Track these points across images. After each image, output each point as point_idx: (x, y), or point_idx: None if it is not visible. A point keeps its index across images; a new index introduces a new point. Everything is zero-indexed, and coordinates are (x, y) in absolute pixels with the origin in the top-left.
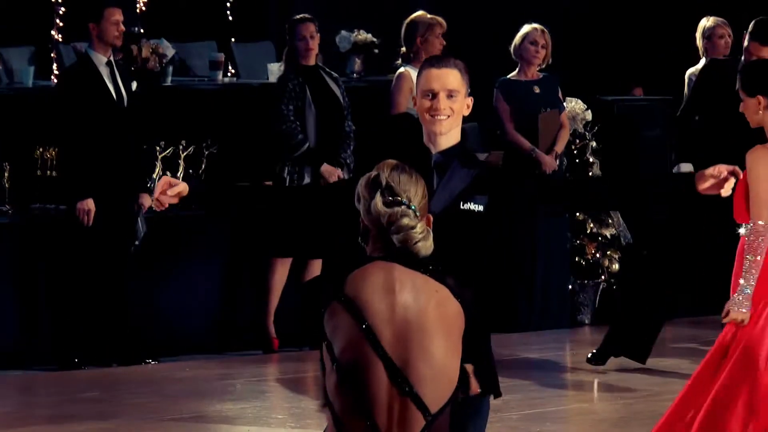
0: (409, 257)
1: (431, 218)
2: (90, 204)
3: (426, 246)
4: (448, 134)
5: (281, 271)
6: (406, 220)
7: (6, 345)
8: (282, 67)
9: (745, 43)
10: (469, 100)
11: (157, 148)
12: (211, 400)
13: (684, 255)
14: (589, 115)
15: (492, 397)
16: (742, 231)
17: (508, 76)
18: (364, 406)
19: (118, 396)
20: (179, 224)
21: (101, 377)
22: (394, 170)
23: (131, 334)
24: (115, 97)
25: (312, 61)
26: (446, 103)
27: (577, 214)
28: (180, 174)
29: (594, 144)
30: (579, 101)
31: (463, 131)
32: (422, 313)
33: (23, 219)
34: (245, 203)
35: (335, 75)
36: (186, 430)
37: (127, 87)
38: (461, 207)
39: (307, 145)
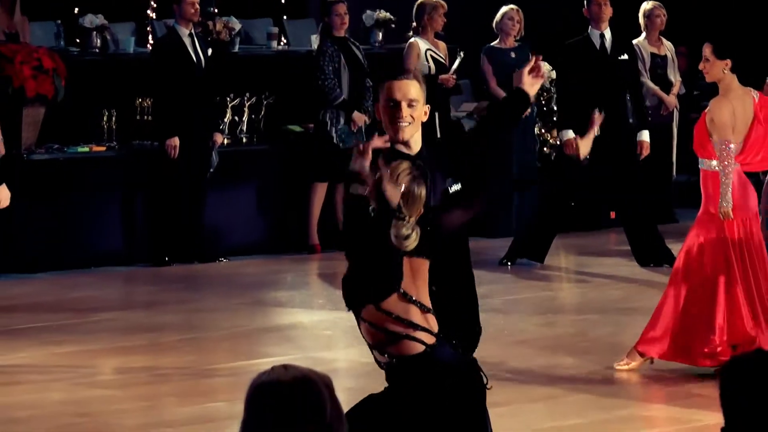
0: None
1: (421, 210)
2: (176, 141)
3: (412, 245)
4: (413, 138)
5: (320, 192)
6: (403, 231)
7: (113, 248)
8: (317, 38)
9: None
10: (427, 108)
11: (227, 99)
12: (268, 290)
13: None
14: (553, 74)
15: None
16: (701, 165)
17: (491, 44)
18: None
19: (199, 287)
20: (243, 156)
21: (186, 272)
22: (408, 188)
23: (208, 239)
24: (195, 60)
25: (342, 33)
26: (407, 111)
27: (544, 148)
28: (245, 118)
29: (556, 96)
30: (546, 63)
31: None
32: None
33: (126, 152)
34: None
35: (357, 44)
36: (249, 312)
37: (205, 53)
38: (450, 192)
39: (343, 97)
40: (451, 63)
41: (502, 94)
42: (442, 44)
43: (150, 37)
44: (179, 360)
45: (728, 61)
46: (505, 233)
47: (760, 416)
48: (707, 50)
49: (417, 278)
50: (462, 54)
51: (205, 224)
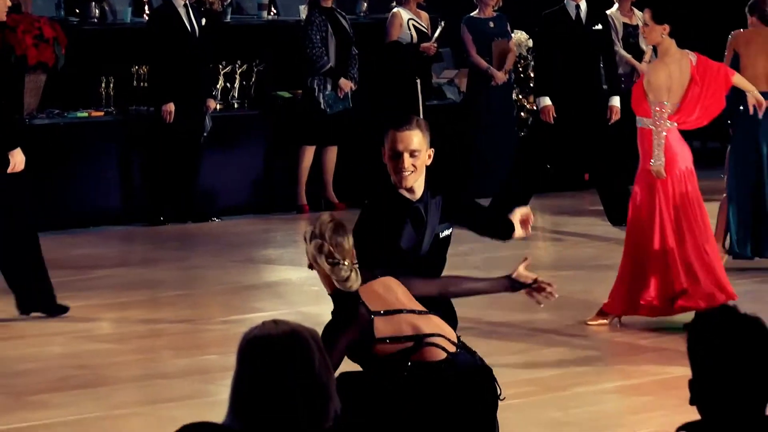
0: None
1: (354, 252)
2: (171, 107)
3: (356, 284)
4: (416, 184)
5: (308, 155)
6: (342, 273)
7: (111, 208)
8: (306, 8)
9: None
10: (431, 152)
11: (220, 66)
12: (259, 247)
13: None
14: (530, 43)
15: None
16: (639, 123)
17: (470, 14)
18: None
19: (192, 245)
20: (235, 120)
21: (180, 231)
22: (333, 234)
23: (202, 199)
24: (189, 29)
25: (329, 4)
26: (409, 162)
27: (522, 113)
28: (236, 84)
29: (533, 63)
30: (523, 33)
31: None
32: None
33: (124, 117)
34: None
35: (344, 14)
36: (241, 269)
37: (198, 22)
38: (440, 237)
39: (330, 64)
40: (433, 32)
41: (482, 61)
42: (424, 14)
43: (146, 7)
44: (174, 315)
45: (666, 26)
46: (484, 194)
47: (724, 370)
48: (647, 15)
49: (394, 292)
50: (443, 23)
51: (198, 185)
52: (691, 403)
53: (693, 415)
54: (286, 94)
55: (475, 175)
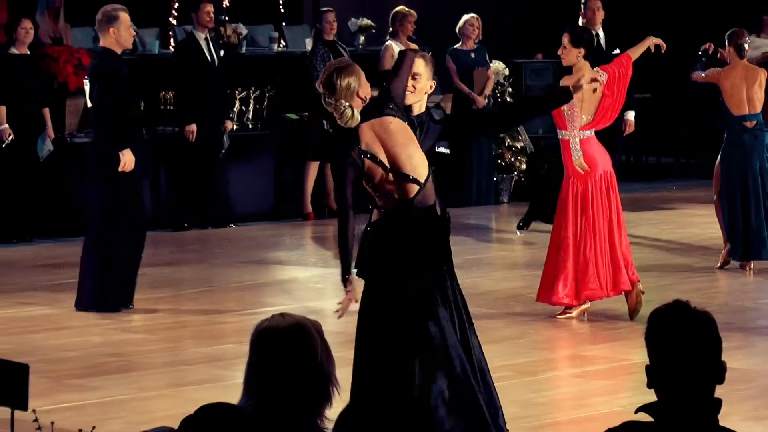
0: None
1: (353, 90)
2: (194, 127)
3: (354, 120)
4: (417, 104)
5: (313, 169)
6: (336, 111)
7: None
8: (311, 41)
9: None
10: (433, 83)
11: (236, 92)
12: (269, 250)
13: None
14: (507, 71)
15: None
16: (559, 135)
17: (454, 47)
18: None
19: (211, 248)
20: (249, 139)
21: (201, 236)
22: (328, 78)
23: (220, 208)
24: (209, 59)
25: (332, 37)
26: (411, 83)
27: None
28: (251, 107)
29: (510, 89)
30: (500, 62)
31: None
32: (404, 138)
33: (152, 136)
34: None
35: (344, 46)
36: (254, 269)
37: (217, 53)
38: (436, 150)
39: None
40: None
41: (464, 87)
42: (413, 46)
43: (172, 40)
44: (196, 309)
45: (582, 49)
46: (464, 203)
47: (677, 357)
48: (565, 39)
49: (394, 135)
50: (430, 54)
51: (217, 196)
52: (649, 386)
53: (650, 397)
54: (294, 116)
55: (456, 185)
